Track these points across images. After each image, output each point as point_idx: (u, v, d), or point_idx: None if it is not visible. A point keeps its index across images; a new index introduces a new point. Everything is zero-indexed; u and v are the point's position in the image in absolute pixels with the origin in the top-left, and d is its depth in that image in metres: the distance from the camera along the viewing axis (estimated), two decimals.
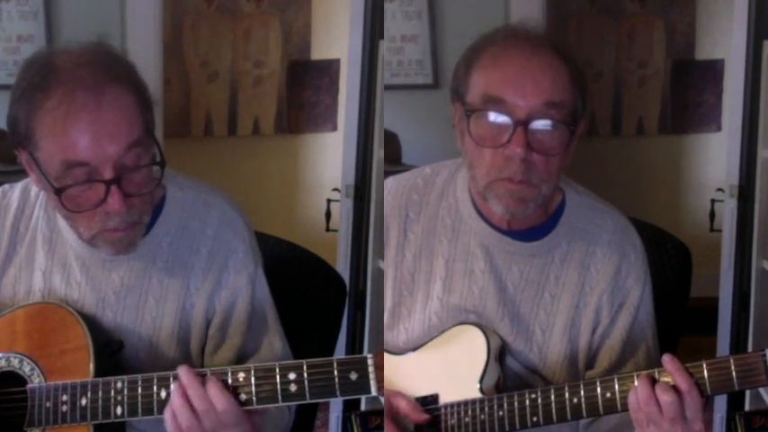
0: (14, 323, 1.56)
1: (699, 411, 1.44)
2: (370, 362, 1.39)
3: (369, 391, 1.39)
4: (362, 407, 2.92)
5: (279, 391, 1.41)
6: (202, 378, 1.42)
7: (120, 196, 1.45)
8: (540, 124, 1.52)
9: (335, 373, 1.40)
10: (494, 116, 1.53)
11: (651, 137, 4.25)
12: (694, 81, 4.17)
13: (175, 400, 1.42)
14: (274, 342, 1.63)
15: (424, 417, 1.61)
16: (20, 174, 1.60)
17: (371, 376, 1.39)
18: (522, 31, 1.58)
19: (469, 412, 1.59)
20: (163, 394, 1.44)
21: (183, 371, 1.43)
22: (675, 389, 1.44)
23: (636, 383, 1.47)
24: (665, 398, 1.44)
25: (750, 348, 2.95)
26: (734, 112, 3.08)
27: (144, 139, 1.48)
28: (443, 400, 1.62)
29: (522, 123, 1.51)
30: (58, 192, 1.46)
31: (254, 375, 1.42)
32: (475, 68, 1.57)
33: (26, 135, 1.47)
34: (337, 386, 1.39)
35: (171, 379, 1.44)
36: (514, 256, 1.66)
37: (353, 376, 1.39)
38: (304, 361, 1.41)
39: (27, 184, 1.68)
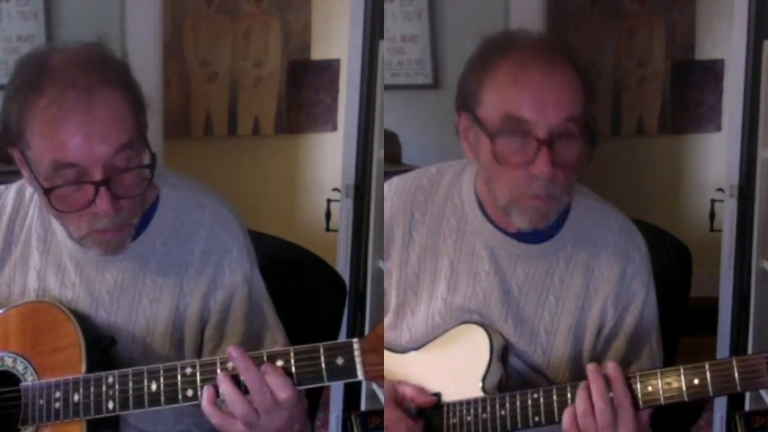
0: (7, 323, 1.56)
1: (630, 422, 1.44)
2: (356, 346, 1.39)
3: (355, 376, 1.39)
4: (363, 407, 2.92)
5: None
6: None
7: (109, 198, 1.45)
8: (563, 140, 1.52)
9: (322, 358, 1.40)
10: (518, 137, 1.52)
11: (651, 137, 4.25)
12: (694, 81, 4.17)
13: (225, 385, 1.39)
14: (278, 338, 1.63)
15: (430, 399, 1.61)
16: (19, 174, 1.60)
17: (357, 360, 1.39)
18: (534, 43, 1.56)
19: (471, 411, 1.59)
20: (153, 387, 1.44)
21: (237, 354, 1.40)
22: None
23: (579, 396, 1.48)
24: (600, 405, 1.45)
25: (750, 348, 2.95)
26: (734, 112, 3.08)
27: (135, 141, 1.49)
28: (446, 398, 1.62)
29: (546, 142, 1.50)
30: (47, 192, 1.46)
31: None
32: (490, 85, 1.54)
33: (18, 133, 1.47)
34: (324, 371, 1.40)
35: (161, 371, 1.44)
36: (519, 257, 1.66)
37: (340, 361, 1.39)
38: (291, 347, 1.41)
39: (22, 185, 1.68)
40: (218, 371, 1.41)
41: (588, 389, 1.47)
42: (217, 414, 1.41)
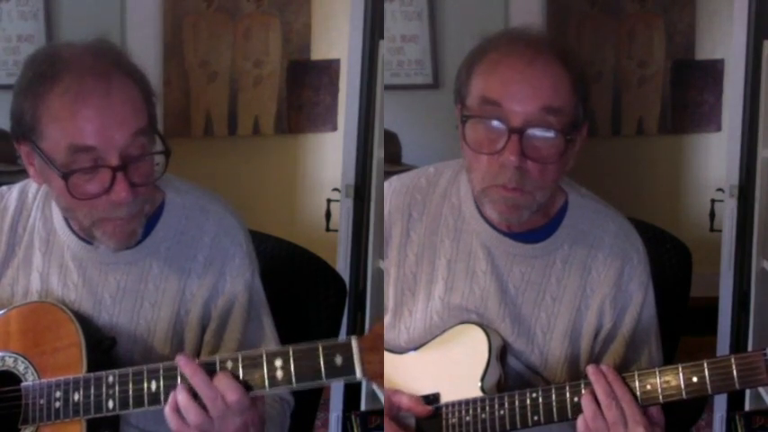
0: (9, 323, 1.57)
1: (637, 416, 1.45)
2: (354, 345, 1.39)
3: (354, 374, 1.39)
4: (363, 407, 2.92)
5: (266, 378, 1.41)
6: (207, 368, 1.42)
7: (126, 184, 1.46)
8: (536, 132, 1.51)
9: (321, 357, 1.40)
10: (489, 122, 1.52)
11: (651, 137, 4.24)
12: (694, 81, 4.17)
13: (181, 395, 1.41)
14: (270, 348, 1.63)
15: (426, 409, 1.61)
16: (20, 174, 1.60)
17: (356, 359, 1.39)
18: (524, 37, 1.57)
19: (470, 411, 1.59)
20: (153, 386, 1.45)
21: (183, 361, 1.41)
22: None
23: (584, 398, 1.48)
24: (605, 401, 1.46)
25: (750, 348, 2.95)
26: (734, 112, 3.08)
27: (148, 129, 1.50)
28: (445, 399, 1.62)
29: (517, 131, 1.50)
30: (66, 176, 1.46)
31: (242, 363, 1.42)
32: (475, 72, 1.56)
33: (31, 125, 1.48)
34: (323, 371, 1.40)
35: (161, 371, 1.45)
36: (516, 257, 1.66)
37: (338, 360, 1.39)
38: (290, 347, 1.42)
39: (24, 186, 1.68)
40: (240, 367, 1.41)
41: (591, 393, 1.47)
42: (175, 420, 1.42)
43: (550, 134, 1.52)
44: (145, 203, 1.53)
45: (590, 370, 1.48)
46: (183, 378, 1.42)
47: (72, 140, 1.45)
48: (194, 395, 1.41)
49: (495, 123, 1.52)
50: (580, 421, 1.48)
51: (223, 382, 1.40)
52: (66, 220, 1.62)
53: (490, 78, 1.54)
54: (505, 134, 1.50)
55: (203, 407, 1.40)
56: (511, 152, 1.50)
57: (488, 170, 1.54)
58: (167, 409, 1.42)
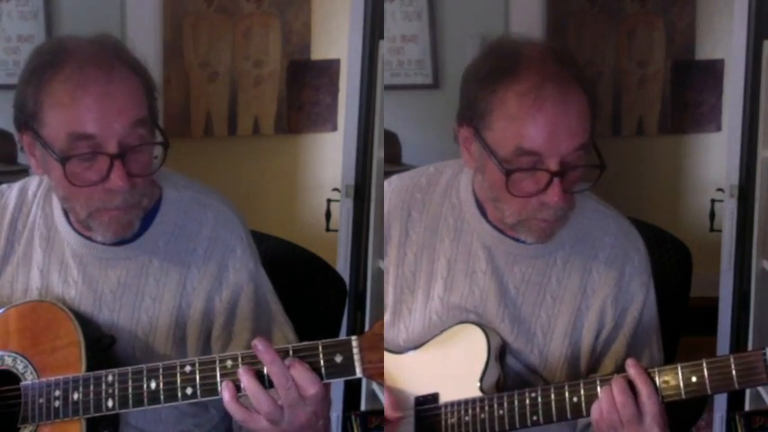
0: (7, 322, 1.57)
1: (657, 416, 1.45)
2: (354, 344, 1.40)
3: (354, 374, 1.40)
4: (363, 407, 2.92)
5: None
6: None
7: (123, 172, 1.47)
8: (574, 170, 1.51)
9: (321, 356, 1.40)
10: (530, 169, 1.50)
11: (651, 137, 4.24)
12: (694, 81, 4.17)
13: (250, 383, 1.40)
14: (287, 333, 1.64)
15: (395, 416, 1.62)
16: (20, 174, 1.61)
17: (356, 358, 1.39)
18: (545, 66, 1.51)
19: (469, 411, 1.59)
20: (153, 385, 1.45)
21: (263, 346, 1.40)
22: (634, 391, 1.46)
23: (600, 394, 1.49)
24: (621, 398, 1.45)
25: (750, 348, 2.95)
26: (734, 112, 3.08)
27: (147, 120, 1.51)
28: (444, 398, 1.62)
29: (559, 173, 1.49)
30: (63, 161, 1.47)
31: (242, 362, 1.42)
32: (500, 112, 1.51)
33: (33, 112, 1.49)
34: (323, 369, 1.40)
35: (160, 370, 1.45)
36: (516, 257, 1.66)
37: (338, 359, 1.40)
38: (290, 345, 1.42)
39: (24, 184, 1.69)
40: (240, 365, 1.41)
41: (624, 381, 1.48)
42: (240, 410, 1.42)
43: (581, 166, 1.52)
44: (143, 197, 1.54)
45: (629, 363, 1.48)
46: (224, 367, 1.41)
47: (72, 128, 1.47)
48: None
49: (536, 169, 1.50)
50: (595, 408, 1.48)
51: (301, 375, 1.39)
52: (66, 216, 1.62)
53: (523, 126, 1.49)
54: (546, 177, 1.50)
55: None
56: (555, 194, 1.50)
57: (527, 206, 1.54)
58: (228, 400, 1.41)
